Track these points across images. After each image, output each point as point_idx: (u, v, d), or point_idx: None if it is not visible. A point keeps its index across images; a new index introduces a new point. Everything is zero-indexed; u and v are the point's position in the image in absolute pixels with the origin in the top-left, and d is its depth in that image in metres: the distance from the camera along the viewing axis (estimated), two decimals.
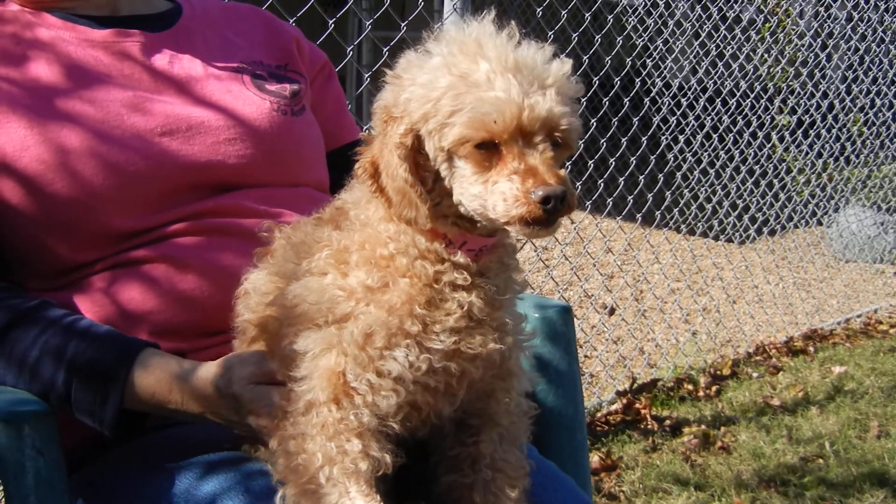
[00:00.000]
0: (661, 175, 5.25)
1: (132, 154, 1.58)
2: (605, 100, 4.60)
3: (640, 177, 4.93)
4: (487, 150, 1.14)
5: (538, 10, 4.20)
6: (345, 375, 1.17)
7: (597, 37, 4.78)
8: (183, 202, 1.62)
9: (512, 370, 1.29)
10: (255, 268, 1.40)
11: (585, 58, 4.77)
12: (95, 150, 1.56)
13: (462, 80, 1.13)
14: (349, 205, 1.27)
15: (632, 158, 4.81)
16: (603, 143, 4.61)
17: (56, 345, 1.45)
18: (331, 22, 3.04)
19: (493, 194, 1.14)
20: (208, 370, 1.39)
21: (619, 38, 5.19)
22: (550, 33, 4.03)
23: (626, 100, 4.82)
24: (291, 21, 2.57)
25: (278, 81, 1.82)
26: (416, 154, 1.17)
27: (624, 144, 4.76)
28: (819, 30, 6.70)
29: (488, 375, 1.26)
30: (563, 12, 4.25)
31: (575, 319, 5.23)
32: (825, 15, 6.66)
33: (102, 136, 1.58)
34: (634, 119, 4.88)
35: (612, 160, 4.61)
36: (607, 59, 4.93)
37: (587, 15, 4.59)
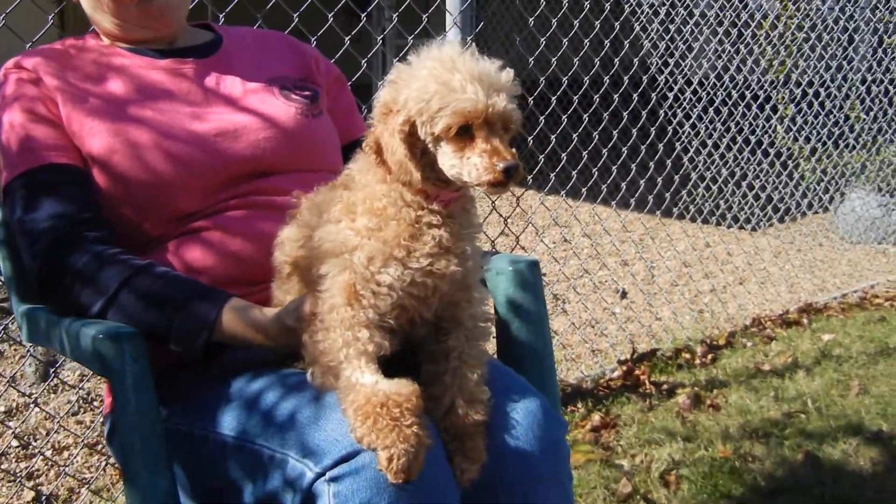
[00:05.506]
0: (676, 176, 5.61)
1: (192, 150, 2.04)
2: (615, 97, 5.03)
3: (659, 179, 5.38)
4: (463, 135, 1.57)
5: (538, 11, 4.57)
6: (355, 286, 1.60)
7: (606, 41, 5.20)
8: (232, 186, 2.07)
9: (470, 285, 1.71)
10: (287, 224, 1.84)
11: (597, 59, 5.18)
12: (162, 145, 2.02)
13: (445, 87, 1.56)
14: (354, 172, 1.71)
15: (647, 157, 5.17)
16: (615, 135, 5.01)
17: (164, 293, 1.86)
18: (347, 39, 3.55)
19: (467, 165, 1.57)
20: (271, 321, 1.79)
21: (626, 42, 5.54)
22: (566, 39, 4.46)
23: (635, 95, 5.22)
24: (313, 40, 3.08)
25: (301, 91, 2.28)
26: (409, 137, 1.60)
27: (632, 135, 5.10)
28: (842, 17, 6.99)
29: (453, 289, 1.68)
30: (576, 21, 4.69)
31: (589, 302, 5.56)
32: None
33: (168, 136, 2.04)
34: (643, 112, 5.25)
35: (622, 148, 5.00)
36: (615, 59, 5.29)
37: (597, 22, 5.03)
